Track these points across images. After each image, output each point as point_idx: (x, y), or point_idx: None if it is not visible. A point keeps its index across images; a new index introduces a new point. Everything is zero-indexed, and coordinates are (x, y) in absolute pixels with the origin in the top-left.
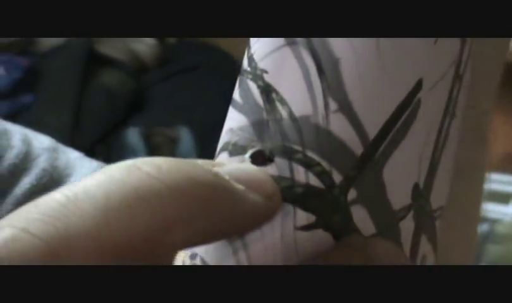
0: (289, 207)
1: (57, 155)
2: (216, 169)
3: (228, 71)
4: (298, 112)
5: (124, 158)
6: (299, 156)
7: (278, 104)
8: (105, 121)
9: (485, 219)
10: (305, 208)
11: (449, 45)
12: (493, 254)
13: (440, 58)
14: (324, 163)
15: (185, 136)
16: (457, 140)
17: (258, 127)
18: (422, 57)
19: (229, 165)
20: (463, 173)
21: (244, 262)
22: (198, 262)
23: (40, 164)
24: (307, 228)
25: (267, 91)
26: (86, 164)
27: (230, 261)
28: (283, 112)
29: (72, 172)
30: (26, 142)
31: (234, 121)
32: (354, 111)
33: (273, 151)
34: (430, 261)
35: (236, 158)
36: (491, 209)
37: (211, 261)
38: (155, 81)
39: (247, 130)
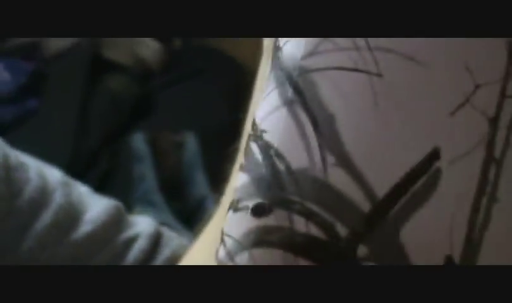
0: (290, 256)
1: (69, 190)
2: None
3: (233, 75)
4: (295, 165)
5: (130, 162)
6: (298, 206)
7: (276, 159)
8: (110, 126)
9: None
10: (308, 257)
11: (471, 121)
12: None
13: (460, 131)
14: (325, 214)
15: (190, 140)
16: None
17: (258, 182)
18: (436, 126)
19: None
20: None
21: None
22: None
23: (56, 199)
24: None
25: (266, 148)
26: (95, 200)
27: None
28: (280, 166)
29: (85, 209)
30: (42, 176)
31: (238, 181)
32: (355, 166)
33: (272, 203)
34: None
35: (239, 214)
36: None
37: None
38: (160, 85)
39: (248, 186)
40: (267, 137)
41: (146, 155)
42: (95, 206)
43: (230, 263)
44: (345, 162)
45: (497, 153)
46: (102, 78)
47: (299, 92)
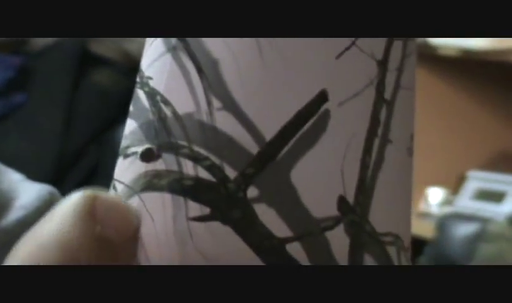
0: (180, 199)
1: (0, 177)
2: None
3: None
4: (181, 110)
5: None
6: (186, 151)
7: (162, 105)
8: (98, 120)
9: (477, 218)
10: (196, 200)
11: (359, 64)
12: (485, 253)
13: (348, 74)
14: (213, 158)
15: None
16: (404, 171)
17: (146, 128)
18: (322, 69)
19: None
20: None
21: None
22: None
23: None
24: (201, 219)
25: (152, 94)
26: (28, 187)
27: None
28: (167, 111)
29: (16, 196)
30: None
31: (127, 127)
32: (242, 110)
33: (160, 147)
34: None
35: (128, 160)
36: (483, 208)
37: None
38: None
39: (137, 133)
40: (152, 84)
41: None
42: (27, 193)
43: None
44: (231, 106)
45: (387, 95)
46: (89, 72)
47: (182, 38)
